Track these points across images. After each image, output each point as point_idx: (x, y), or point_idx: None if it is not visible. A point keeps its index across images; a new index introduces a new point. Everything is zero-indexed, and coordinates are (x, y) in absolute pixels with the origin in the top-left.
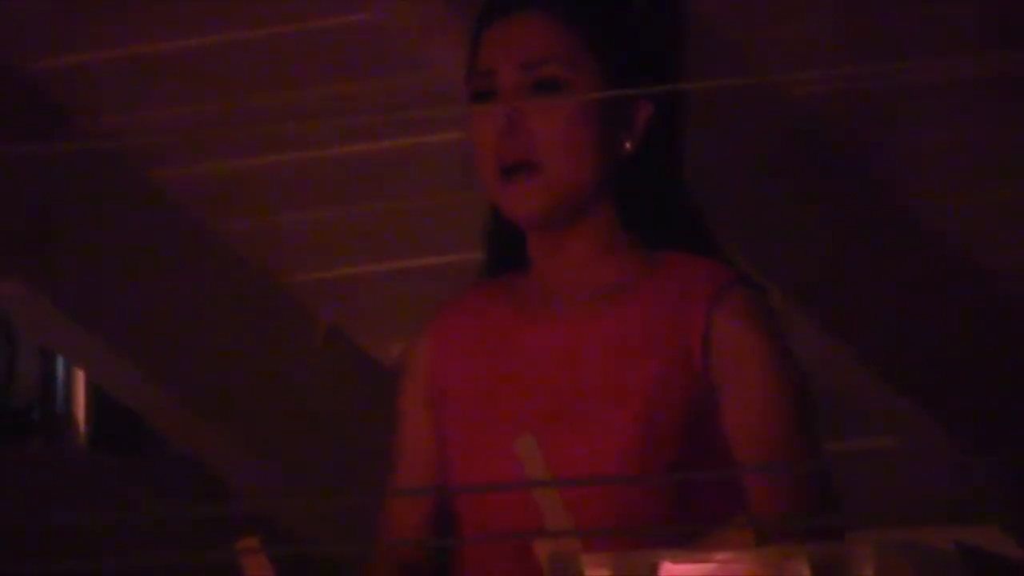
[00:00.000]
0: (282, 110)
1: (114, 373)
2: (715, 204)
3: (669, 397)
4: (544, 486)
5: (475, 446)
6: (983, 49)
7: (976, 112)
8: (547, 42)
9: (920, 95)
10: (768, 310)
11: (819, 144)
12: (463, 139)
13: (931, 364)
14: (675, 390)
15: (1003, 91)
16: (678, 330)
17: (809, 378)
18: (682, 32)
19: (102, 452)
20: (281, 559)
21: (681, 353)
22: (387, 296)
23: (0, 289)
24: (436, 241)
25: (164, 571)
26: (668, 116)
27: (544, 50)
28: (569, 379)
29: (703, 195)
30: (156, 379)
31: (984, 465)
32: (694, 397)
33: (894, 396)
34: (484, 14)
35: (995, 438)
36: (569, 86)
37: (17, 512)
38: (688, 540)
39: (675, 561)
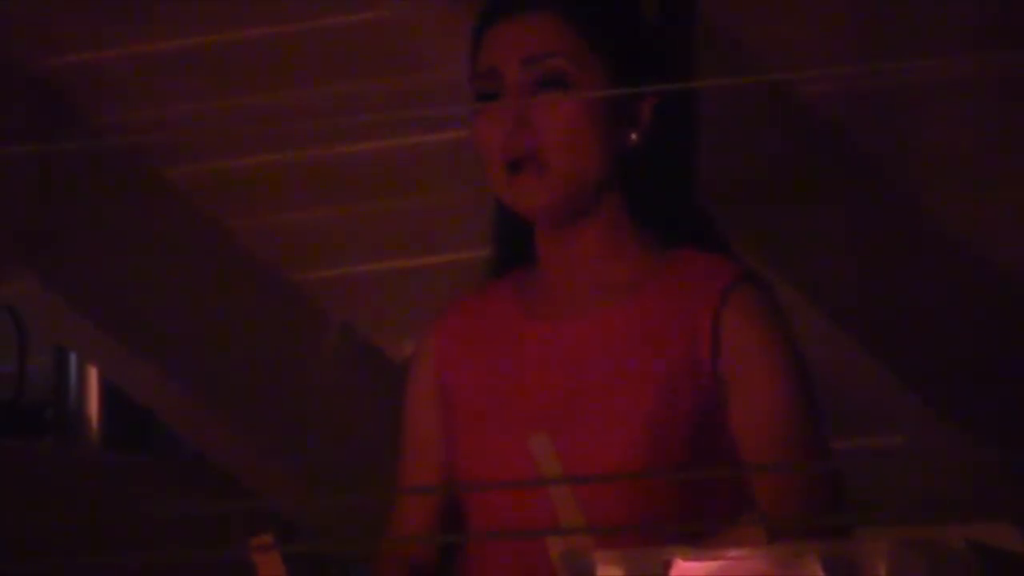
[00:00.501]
0: (294, 108)
1: (127, 371)
2: (726, 203)
3: (678, 394)
4: (554, 484)
5: (483, 444)
6: (993, 49)
7: (987, 112)
8: (550, 38)
9: (931, 94)
10: (776, 307)
11: (829, 143)
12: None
13: (941, 362)
14: (684, 387)
15: (1014, 91)
16: (686, 327)
17: (817, 376)
18: (690, 30)
19: (115, 450)
20: (294, 557)
21: (689, 350)
22: (400, 294)
23: (13, 287)
24: (449, 238)
25: (177, 569)
26: (675, 109)
27: (547, 46)
28: (577, 377)
29: (714, 193)
30: (169, 377)
31: (995, 462)
32: (703, 394)
33: (904, 394)
34: (485, 15)
35: (1006, 435)
36: (574, 81)
37: (30, 510)
38: (700, 538)
39: (687, 558)
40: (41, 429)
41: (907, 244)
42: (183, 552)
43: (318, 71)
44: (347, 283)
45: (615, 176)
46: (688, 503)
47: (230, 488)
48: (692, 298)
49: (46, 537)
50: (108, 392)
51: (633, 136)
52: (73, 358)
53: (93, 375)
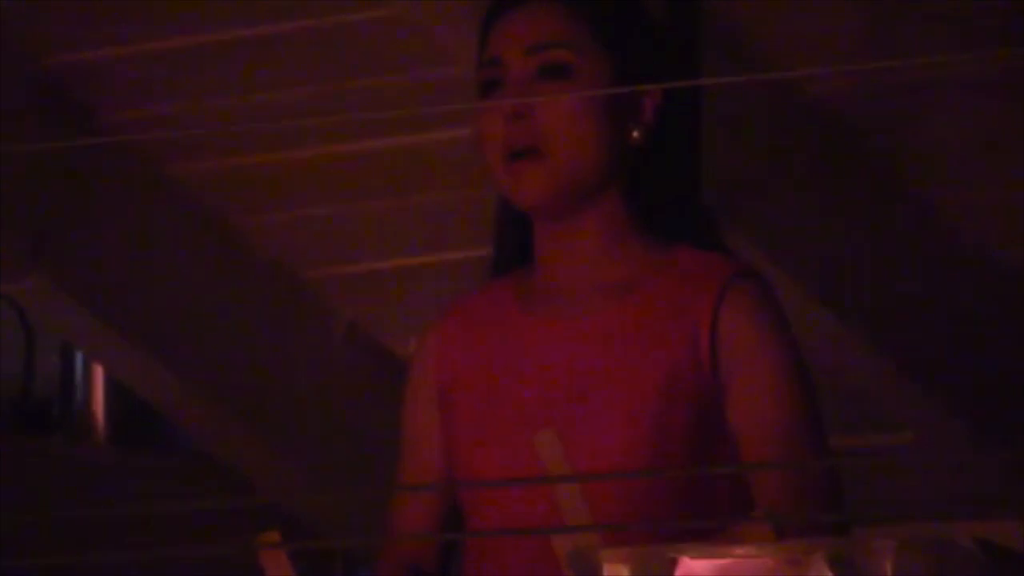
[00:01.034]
0: (301, 105)
1: (133, 368)
2: (733, 200)
3: (679, 390)
4: (556, 482)
5: (484, 442)
6: (999, 46)
7: (995, 109)
8: (554, 28)
9: (937, 91)
10: (774, 304)
11: (837, 140)
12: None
13: (949, 359)
14: (684, 383)
15: (1022, 87)
16: (686, 324)
17: (822, 374)
18: (694, 26)
19: (121, 447)
20: (300, 554)
21: (689, 347)
22: (407, 292)
23: (20, 285)
24: (456, 236)
25: (184, 565)
26: (678, 107)
27: (550, 35)
28: (577, 375)
29: (719, 190)
30: (175, 374)
31: (1002, 460)
32: (703, 390)
33: (911, 392)
34: (493, 6)
35: (1015, 433)
36: (576, 71)
37: (36, 506)
38: (706, 535)
39: (694, 556)
40: (48, 426)
41: (915, 242)
42: (189, 549)
43: (326, 68)
44: (354, 281)
45: (615, 172)
46: (688, 500)
47: (236, 485)
48: (691, 295)
49: (53, 533)
50: (114, 389)
51: (635, 133)
52: (80, 356)
53: (99, 373)
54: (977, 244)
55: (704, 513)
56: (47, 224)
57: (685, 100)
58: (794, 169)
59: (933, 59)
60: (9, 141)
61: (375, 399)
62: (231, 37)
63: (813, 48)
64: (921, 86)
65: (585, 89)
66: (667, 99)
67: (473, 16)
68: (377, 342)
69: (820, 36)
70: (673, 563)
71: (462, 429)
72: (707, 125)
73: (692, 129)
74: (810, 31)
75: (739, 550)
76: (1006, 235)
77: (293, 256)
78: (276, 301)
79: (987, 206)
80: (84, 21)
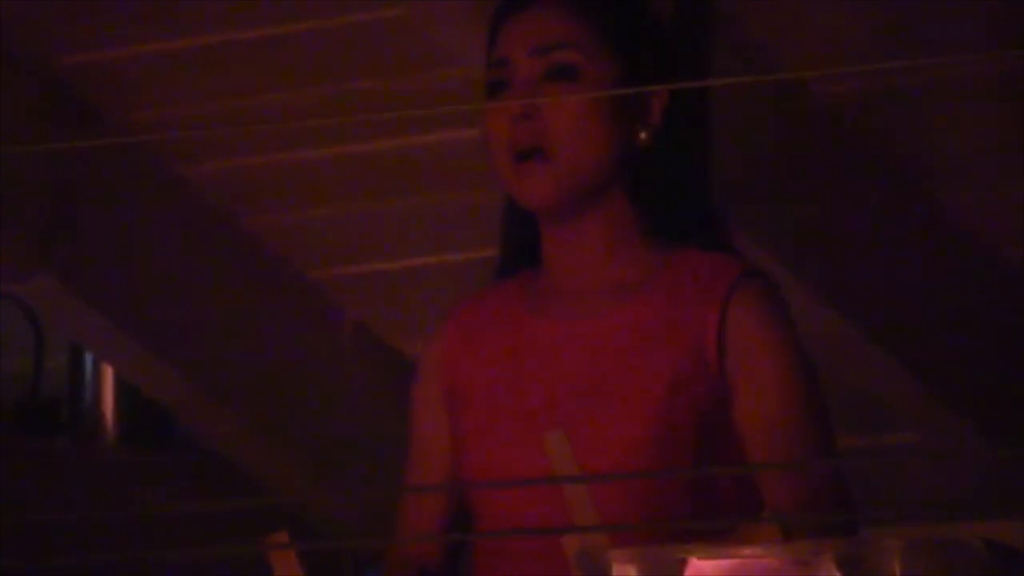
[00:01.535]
0: (310, 106)
1: (142, 368)
2: (742, 200)
3: (686, 391)
4: (563, 482)
5: (491, 445)
6: (1010, 47)
7: (1005, 110)
8: (561, 29)
9: (947, 93)
10: (781, 305)
11: (846, 141)
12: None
13: (957, 359)
14: (692, 384)
15: None
16: (693, 325)
17: (830, 374)
18: (705, 28)
19: (130, 448)
20: (309, 555)
21: (696, 347)
22: (415, 292)
23: (29, 285)
24: (464, 237)
25: (193, 566)
26: (687, 109)
27: (558, 36)
28: (584, 376)
29: (728, 191)
30: (184, 374)
31: (1011, 460)
32: (710, 390)
33: (919, 392)
34: (501, 8)
35: (1022, 433)
36: (583, 72)
37: (46, 507)
38: (714, 535)
39: (702, 556)
40: (57, 427)
41: (923, 241)
42: (199, 549)
43: (334, 69)
44: (362, 281)
45: (621, 173)
46: (695, 500)
47: (245, 485)
48: (698, 297)
49: (62, 534)
50: (124, 390)
51: (642, 135)
52: (89, 356)
53: (109, 373)
54: (986, 244)
55: (710, 512)
56: (55, 224)
57: (693, 102)
58: (802, 170)
59: (944, 61)
60: (17, 141)
61: (383, 399)
62: (237, 38)
63: (823, 49)
64: (931, 87)
65: (592, 90)
66: (675, 101)
67: (480, 17)
68: (385, 342)
69: (830, 37)
70: (682, 563)
71: (470, 430)
72: (715, 125)
73: (701, 130)
74: (820, 32)
75: (747, 550)
76: (1016, 235)
77: (301, 256)
78: (284, 301)
79: (996, 206)
80: (93, 22)
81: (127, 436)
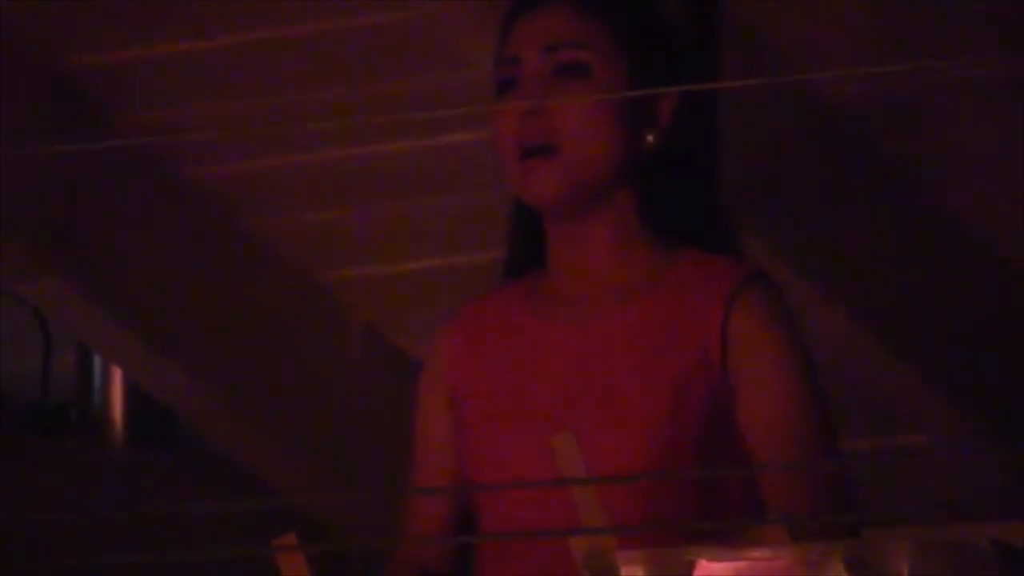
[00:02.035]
0: (319, 108)
1: (150, 370)
2: (748, 202)
3: (690, 393)
4: (567, 484)
5: (495, 447)
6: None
7: (1014, 112)
8: (572, 28)
9: (956, 95)
10: (784, 307)
11: (852, 143)
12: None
13: (964, 361)
14: (696, 386)
15: None
16: (697, 327)
17: (834, 374)
18: (714, 30)
19: (139, 449)
20: (317, 556)
21: (700, 350)
22: (423, 294)
23: (37, 287)
24: (472, 239)
25: (200, 567)
26: (696, 112)
27: (568, 35)
28: (588, 378)
29: (736, 191)
30: (192, 376)
31: (1018, 460)
32: (714, 393)
33: (928, 394)
34: (512, 8)
35: None
36: (592, 71)
37: (54, 508)
38: (722, 537)
39: (711, 558)
40: (65, 428)
41: (931, 243)
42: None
43: (342, 71)
44: (370, 283)
45: (627, 174)
46: (699, 502)
47: (253, 487)
48: (701, 299)
49: (71, 535)
50: (132, 391)
51: (650, 137)
52: (97, 358)
53: (117, 374)
54: (993, 244)
55: (715, 513)
56: (63, 226)
57: (703, 104)
58: (810, 170)
59: (952, 62)
60: (25, 143)
61: (392, 401)
62: (246, 40)
63: (830, 50)
64: (939, 88)
65: (601, 89)
66: (684, 104)
67: (490, 19)
68: (394, 344)
69: (837, 38)
70: (691, 565)
71: (474, 431)
72: (723, 128)
73: (709, 134)
74: (827, 33)
75: (756, 552)
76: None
77: (310, 258)
78: (292, 303)
79: (1004, 207)
80: (100, 24)
81: (135, 437)
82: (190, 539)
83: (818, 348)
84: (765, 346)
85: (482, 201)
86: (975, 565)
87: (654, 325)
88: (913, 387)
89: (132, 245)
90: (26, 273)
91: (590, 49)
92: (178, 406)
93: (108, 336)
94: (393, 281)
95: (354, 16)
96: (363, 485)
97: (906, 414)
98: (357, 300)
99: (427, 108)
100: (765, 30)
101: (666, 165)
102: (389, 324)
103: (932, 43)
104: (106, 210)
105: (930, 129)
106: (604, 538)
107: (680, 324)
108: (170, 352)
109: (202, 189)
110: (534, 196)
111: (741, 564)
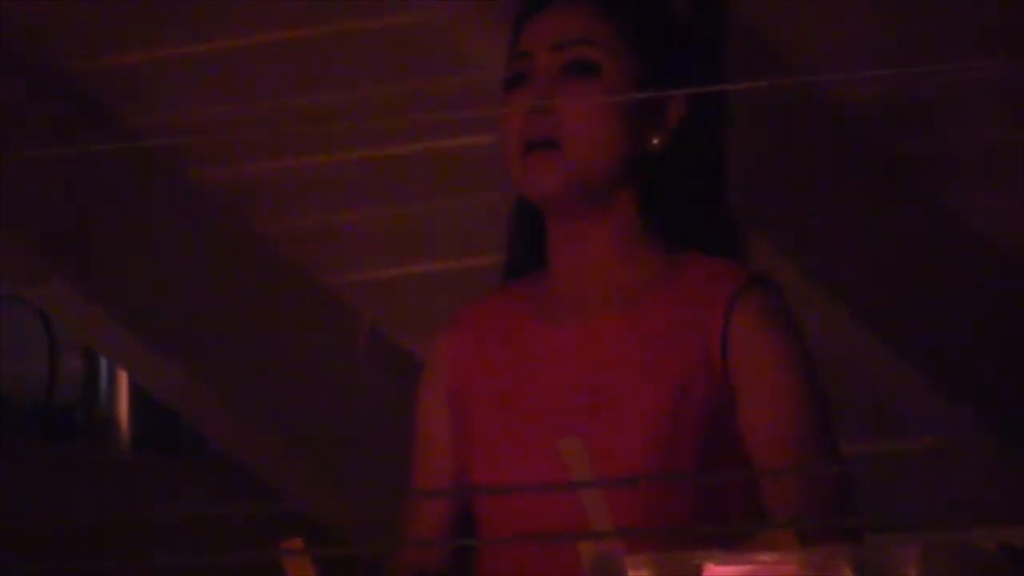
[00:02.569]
0: (325, 110)
1: (156, 374)
2: (761, 204)
3: (690, 398)
4: (566, 488)
5: (498, 448)
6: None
7: (1020, 112)
8: (583, 26)
9: (964, 97)
10: (785, 310)
11: (859, 144)
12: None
13: (974, 364)
14: (697, 390)
15: None
16: (698, 331)
17: (845, 377)
18: (723, 33)
19: (144, 452)
20: (324, 560)
21: (701, 353)
22: (430, 296)
23: (43, 290)
24: (479, 242)
25: (206, 571)
26: (704, 118)
27: (580, 33)
28: (589, 381)
29: (742, 192)
30: (198, 380)
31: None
32: (714, 398)
33: (934, 396)
34: (526, 6)
35: None
36: (603, 71)
37: (60, 511)
38: (728, 540)
39: (718, 563)
40: (71, 431)
41: (939, 245)
42: (212, 555)
43: (349, 74)
44: (377, 286)
45: (631, 175)
46: (700, 505)
47: (259, 490)
48: (702, 303)
49: (76, 538)
50: (138, 394)
51: (656, 140)
52: (103, 361)
53: (123, 377)
54: (1004, 248)
55: (717, 514)
56: (69, 229)
57: (712, 109)
58: (812, 169)
59: (959, 64)
60: (31, 145)
61: (398, 404)
62: (251, 43)
63: (839, 51)
64: (943, 89)
65: (610, 88)
66: (693, 107)
67: (498, 21)
68: (400, 347)
69: (846, 39)
70: (698, 569)
71: (475, 435)
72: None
73: (716, 140)
74: (830, 33)
75: (764, 556)
76: None
77: (316, 261)
78: (298, 306)
79: (1015, 210)
80: (107, 26)
81: (141, 441)
82: (195, 542)
83: (819, 349)
84: (766, 349)
85: (488, 203)
86: (985, 568)
87: (655, 327)
88: (915, 388)
89: (137, 248)
90: (31, 276)
91: (601, 48)
92: (183, 409)
93: (113, 339)
94: (400, 284)
95: (363, 18)
96: (369, 488)
97: (907, 415)
98: (363, 303)
99: (432, 111)
100: (768, 30)
101: (670, 168)
102: (396, 326)
103: (935, 44)
104: (112, 213)
105: (934, 129)
106: (612, 542)
107: (681, 326)
108: (175, 355)
109: (208, 191)
110: (536, 190)
111: (748, 568)
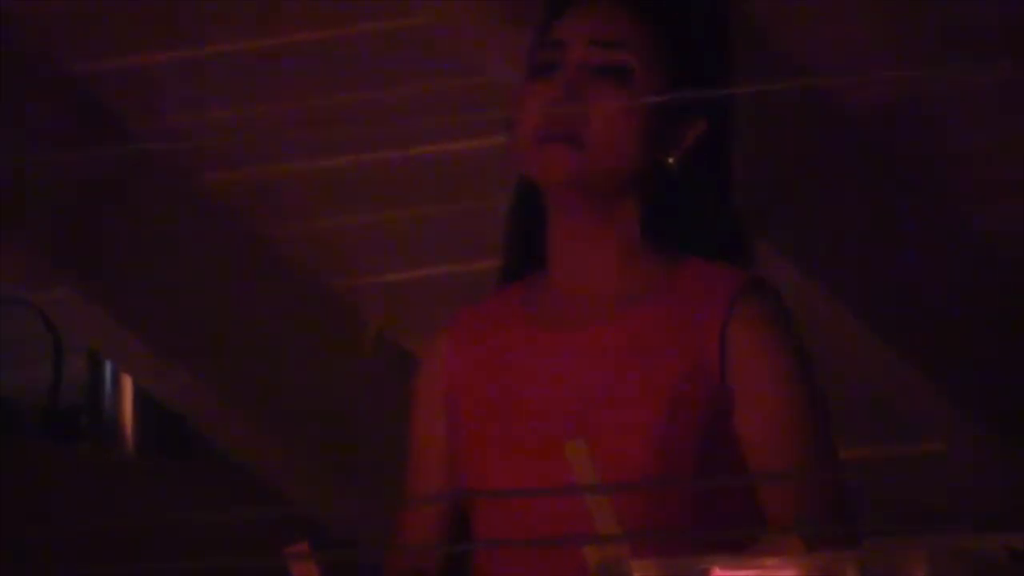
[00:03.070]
0: (332, 114)
1: (161, 377)
2: (761, 206)
3: (688, 404)
4: (563, 493)
5: (495, 450)
6: None
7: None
8: (625, 29)
9: (965, 97)
10: (783, 315)
11: (866, 147)
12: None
13: (979, 367)
14: (693, 397)
15: None
16: (696, 336)
17: (849, 382)
18: (733, 44)
19: (149, 456)
20: (329, 564)
21: (699, 358)
22: (436, 300)
23: (48, 293)
24: (484, 245)
25: (211, 574)
26: (718, 139)
27: (621, 34)
28: (585, 386)
29: (748, 196)
30: (202, 383)
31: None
32: (712, 403)
33: (942, 400)
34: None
35: None
36: (635, 77)
37: (65, 515)
38: (733, 545)
39: (724, 567)
40: (75, 434)
41: (939, 246)
42: (217, 558)
43: (356, 77)
44: (383, 289)
45: (639, 186)
46: (698, 512)
47: (264, 494)
48: (700, 307)
49: (81, 542)
50: (142, 397)
51: (670, 159)
52: (108, 364)
53: (128, 380)
54: (1004, 248)
55: (716, 516)
56: (75, 232)
57: (728, 131)
58: (814, 171)
59: (960, 66)
60: (38, 149)
61: (404, 408)
62: (261, 46)
63: (839, 52)
64: (946, 91)
65: (639, 95)
66: (710, 129)
67: (507, 25)
68: (406, 351)
69: (846, 40)
70: (705, 574)
71: (471, 438)
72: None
73: (728, 161)
74: (833, 33)
75: (770, 561)
76: None
77: (322, 265)
78: (304, 310)
79: (1015, 210)
80: (116, 29)
81: (146, 444)
82: (200, 546)
83: (819, 349)
84: (763, 353)
85: (494, 206)
86: (991, 573)
87: (652, 331)
88: (915, 389)
89: (144, 251)
90: (36, 279)
91: (637, 55)
92: (188, 412)
93: (118, 342)
94: (406, 288)
95: (370, 22)
96: (376, 491)
97: (909, 417)
98: (369, 306)
99: (442, 115)
100: (768, 31)
101: (681, 186)
102: (402, 330)
103: (935, 45)
104: (118, 217)
105: (934, 130)
106: (618, 547)
107: (679, 330)
108: (180, 358)
109: (214, 195)
110: (548, 175)
111: (754, 572)
